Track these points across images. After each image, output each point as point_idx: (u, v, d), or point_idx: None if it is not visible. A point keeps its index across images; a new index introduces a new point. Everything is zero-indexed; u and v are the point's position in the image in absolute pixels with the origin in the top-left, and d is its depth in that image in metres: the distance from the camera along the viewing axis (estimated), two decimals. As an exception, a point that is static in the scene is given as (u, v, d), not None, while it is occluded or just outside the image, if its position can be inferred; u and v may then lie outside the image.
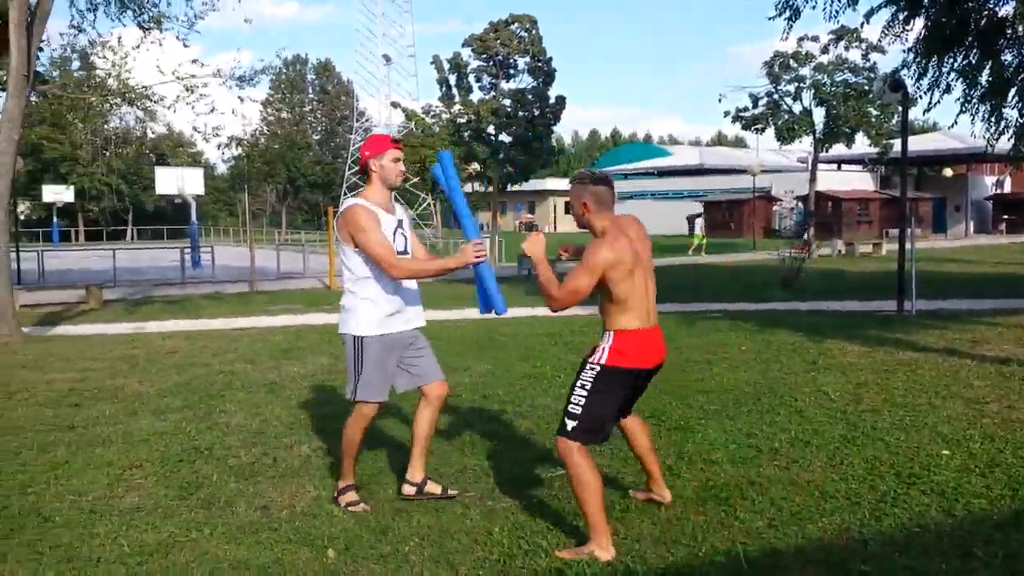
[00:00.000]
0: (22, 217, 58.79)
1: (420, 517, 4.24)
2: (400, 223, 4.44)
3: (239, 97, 15.19)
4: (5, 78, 11.47)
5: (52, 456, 5.43)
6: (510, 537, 3.97)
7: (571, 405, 3.80)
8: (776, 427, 5.84)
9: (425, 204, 47.83)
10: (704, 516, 4.19)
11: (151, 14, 13.57)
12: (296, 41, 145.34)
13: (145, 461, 5.29)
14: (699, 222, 32.83)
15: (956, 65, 9.37)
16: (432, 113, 19.74)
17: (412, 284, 4.50)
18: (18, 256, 17.10)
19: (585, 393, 3.78)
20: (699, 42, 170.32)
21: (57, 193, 53.85)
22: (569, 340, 10.02)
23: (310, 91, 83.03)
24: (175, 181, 30.28)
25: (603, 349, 3.84)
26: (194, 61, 14.39)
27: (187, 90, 14.18)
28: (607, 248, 3.73)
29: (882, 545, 3.80)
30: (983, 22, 9.07)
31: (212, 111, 14.74)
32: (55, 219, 55.30)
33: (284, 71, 77.47)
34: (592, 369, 3.82)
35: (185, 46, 14.06)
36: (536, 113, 18.35)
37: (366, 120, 63.20)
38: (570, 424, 3.76)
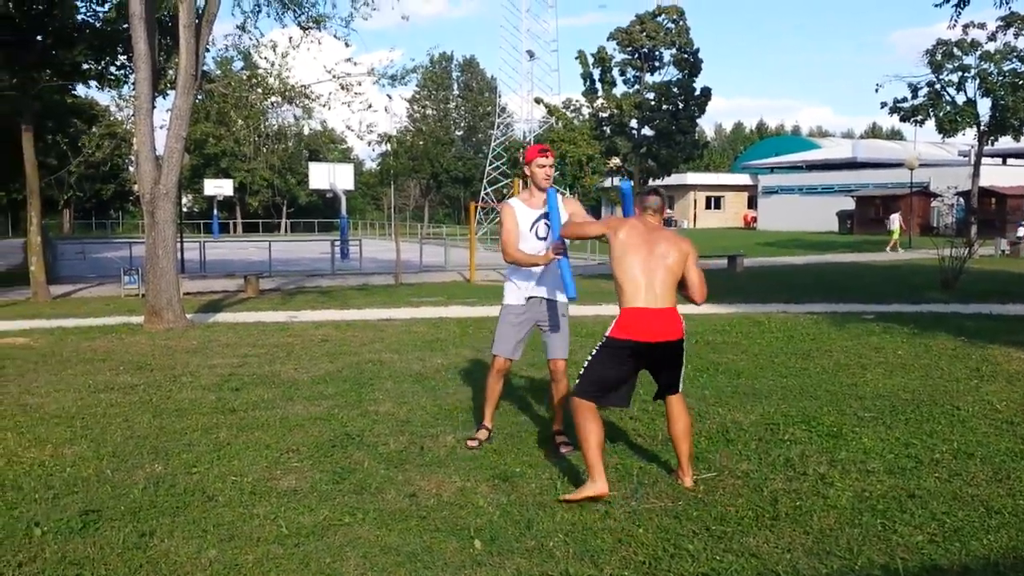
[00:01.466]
0: (185, 209, 62.79)
1: (563, 514, 4.26)
2: (545, 215, 5.33)
3: (388, 95, 15.67)
4: (175, 77, 12.18)
5: (215, 438, 5.77)
6: (655, 539, 3.93)
7: (582, 368, 4.61)
8: (937, 437, 5.54)
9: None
10: (860, 528, 4.03)
11: (311, 14, 14.15)
12: (441, 38, 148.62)
13: (301, 445, 5.54)
14: (895, 217, 31.73)
15: None
16: (573, 108, 19.74)
17: (543, 269, 5.40)
18: (182, 246, 18.25)
19: (590, 358, 4.62)
20: (852, 29, 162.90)
21: (218, 187, 57.15)
22: (711, 339, 9.81)
23: (455, 88, 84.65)
24: (327, 176, 31.54)
25: (612, 324, 4.61)
26: (348, 60, 14.90)
27: (342, 88, 14.70)
28: (614, 221, 4.74)
29: (1058, 570, 3.55)
30: None
31: (368, 108, 15.21)
32: (215, 211, 58.70)
33: (431, 68, 79.31)
34: (601, 340, 4.63)
35: (346, 45, 14.57)
36: (680, 106, 18.05)
37: (508, 116, 63.91)
38: (577, 382, 4.60)
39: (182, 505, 4.46)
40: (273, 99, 16.17)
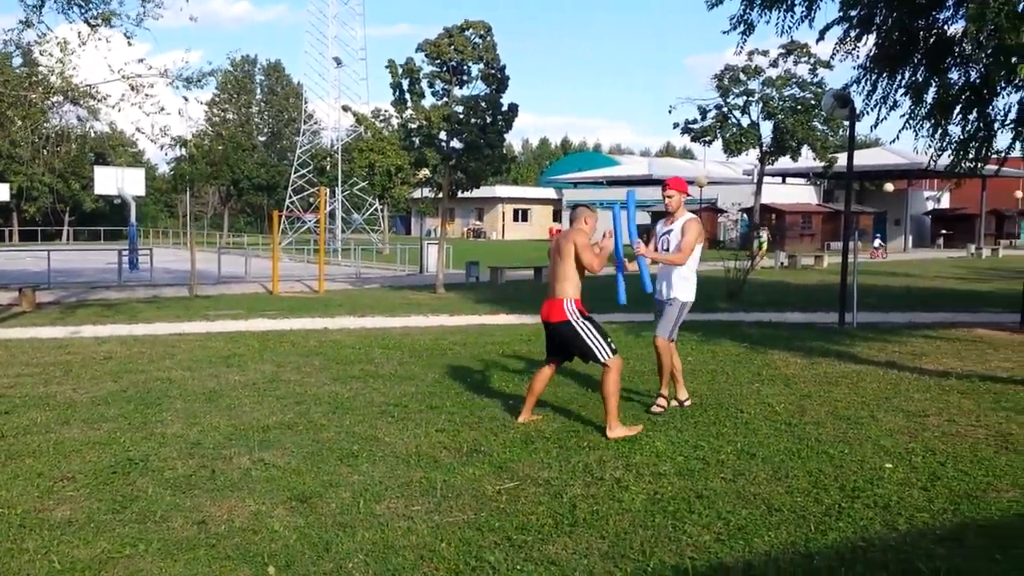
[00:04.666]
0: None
1: (364, 532, 4.14)
2: (669, 231, 6.80)
3: (184, 97, 14.85)
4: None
5: (-22, 467, 5.20)
6: (457, 552, 3.89)
7: (599, 343, 6.02)
8: (723, 439, 5.86)
9: (372, 209, 47.37)
10: (652, 530, 4.17)
11: (99, 10, 13.18)
12: (246, 41, 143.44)
13: (77, 473, 5.09)
14: (764, 232, 34.33)
15: (904, 82, 9.57)
16: (382, 118, 19.58)
17: (666, 268, 6.85)
18: (-52, 255, 16.46)
19: (595, 332, 6.05)
20: (652, 53, 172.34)
21: (-9, 192, 52.14)
22: (518, 349, 9.97)
23: (258, 92, 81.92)
24: (115, 181, 29.55)
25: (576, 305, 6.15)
26: (140, 60, 14.01)
27: (132, 89, 13.80)
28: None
29: (827, 560, 3.81)
30: (932, 40, 9.28)
31: (161, 111, 14.35)
32: (-11, 218, 53.63)
33: (232, 71, 76.35)
34: (584, 319, 6.08)
35: (129, 44, 13.68)
36: (488, 120, 18.26)
37: (315, 123, 62.59)
38: (607, 349, 6.02)
39: (-69, 546, 3.96)
40: (56, 98, 14.92)
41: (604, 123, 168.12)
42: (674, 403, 6.84)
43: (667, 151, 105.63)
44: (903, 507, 4.49)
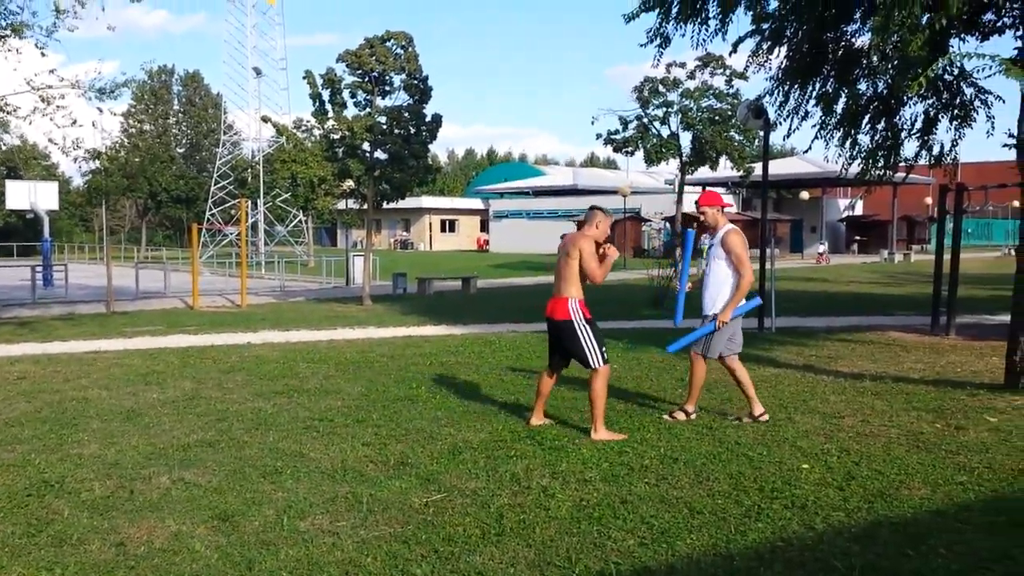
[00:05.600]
0: None
1: (288, 550, 4.09)
2: (712, 246, 6.70)
3: (99, 109, 14.41)
4: None
5: None
6: (383, 566, 3.87)
7: (594, 348, 6.17)
8: (647, 444, 5.96)
9: (296, 221, 46.71)
10: (578, 536, 4.21)
11: (8, 20, 12.74)
12: (164, 51, 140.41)
13: (-14, 498, 4.90)
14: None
15: (814, 93, 9.87)
16: (304, 128, 19.34)
17: (707, 281, 6.70)
18: None
19: (592, 338, 6.18)
20: (577, 64, 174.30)
21: None
22: (446, 360, 9.96)
23: (175, 103, 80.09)
24: (27, 195, 28.57)
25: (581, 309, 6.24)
26: (52, 71, 13.57)
27: (44, 101, 13.37)
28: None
29: (747, 560, 3.91)
30: (840, 53, 9.60)
31: (73, 123, 13.92)
32: None
33: (148, 82, 74.49)
34: (583, 323, 6.19)
35: (42, 55, 13.27)
36: (412, 131, 18.21)
37: (235, 134, 61.44)
38: (600, 356, 6.18)
39: None
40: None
41: (530, 133, 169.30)
42: (746, 419, 6.65)
43: (592, 161, 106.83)
44: (819, 506, 4.63)
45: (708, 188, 7.58)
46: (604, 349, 6.20)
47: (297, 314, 16.15)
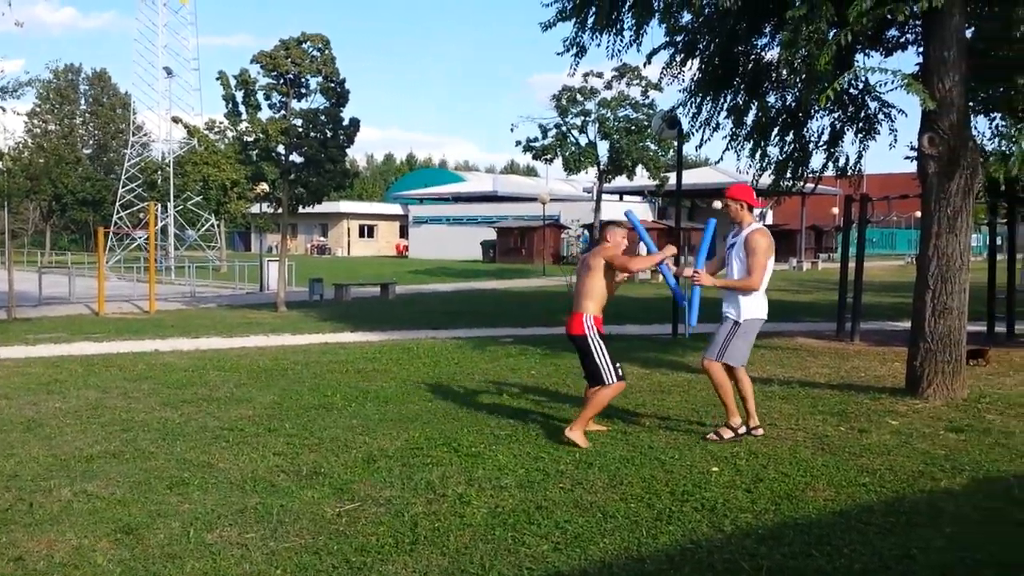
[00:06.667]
0: None
1: (194, 563, 3.96)
2: (733, 244, 6.43)
3: (1, 108, 13.81)
4: None
5: None
6: (293, 579, 3.79)
7: (606, 365, 6.17)
8: (562, 450, 5.99)
9: (208, 225, 45.54)
10: (493, 543, 4.20)
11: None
12: (72, 49, 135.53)
13: None
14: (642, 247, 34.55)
15: (726, 105, 10.12)
16: (217, 130, 18.90)
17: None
18: None
19: (604, 355, 6.23)
20: (498, 71, 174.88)
21: None
22: (363, 367, 9.84)
23: (82, 102, 77.34)
24: (-81, 195, 27.17)
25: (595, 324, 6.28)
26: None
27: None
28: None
29: (658, 563, 3.96)
30: (751, 66, 9.87)
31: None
32: None
33: (54, 81, 71.73)
34: (597, 339, 6.24)
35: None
36: (329, 134, 17.98)
37: (144, 135, 59.61)
38: (609, 375, 6.17)
39: None
40: None
41: (451, 139, 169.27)
42: (757, 431, 6.35)
43: (512, 168, 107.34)
44: (728, 509, 4.73)
45: (741, 183, 7.60)
46: (619, 365, 6.18)
47: (208, 321, 15.74)
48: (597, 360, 6.15)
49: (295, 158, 17.92)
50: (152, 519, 4.57)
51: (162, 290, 22.92)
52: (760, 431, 6.37)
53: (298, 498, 4.92)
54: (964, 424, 6.78)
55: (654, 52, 9.73)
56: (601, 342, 6.20)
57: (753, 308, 6.31)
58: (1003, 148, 8.20)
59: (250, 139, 17.70)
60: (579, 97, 32.70)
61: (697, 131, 10.37)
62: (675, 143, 15.80)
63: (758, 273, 6.19)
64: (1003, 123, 9.97)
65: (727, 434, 6.25)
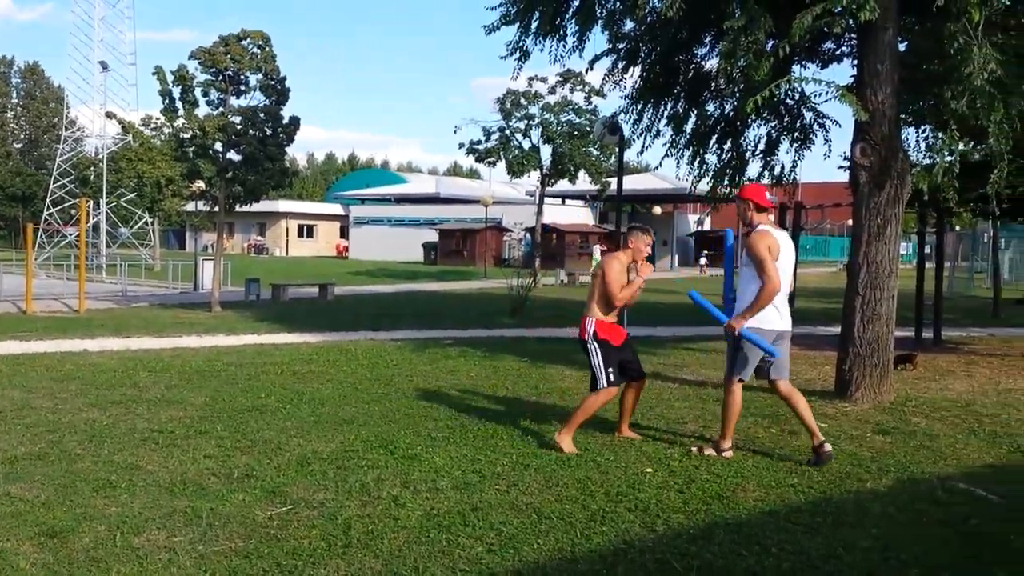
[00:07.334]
0: None
1: (120, 567, 3.87)
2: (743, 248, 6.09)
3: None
4: None
5: None
6: (222, 582, 3.72)
7: (602, 370, 6.16)
8: (499, 452, 5.99)
9: (142, 222, 44.49)
10: (427, 545, 4.19)
11: None
12: (5, 43, 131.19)
13: None
14: (597, 248, 35.32)
15: (666, 112, 10.25)
16: (152, 126, 18.50)
17: (738, 294, 6.03)
18: None
19: (602, 361, 6.17)
20: (442, 73, 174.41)
21: None
22: (298, 368, 9.72)
23: (14, 96, 75.02)
24: None
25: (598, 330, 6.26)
26: None
27: None
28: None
29: (591, 564, 3.99)
30: (691, 74, 10.02)
31: None
32: None
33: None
34: (598, 345, 6.19)
35: None
36: (268, 132, 17.72)
37: (78, 130, 58.01)
38: (603, 378, 6.15)
39: None
40: None
41: (394, 140, 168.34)
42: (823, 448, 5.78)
43: (455, 171, 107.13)
44: (661, 509, 4.79)
45: (755, 183, 7.50)
46: (612, 370, 6.15)
47: (139, 320, 15.38)
48: (593, 364, 6.21)
49: (233, 156, 17.64)
50: (77, 522, 4.45)
51: (92, 288, 22.32)
52: (827, 448, 5.78)
53: (229, 501, 4.84)
54: (891, 427, 6.98)
55: (596, 59, 9.82)
56: (600, 347, 6.18)
57: (752, 321, 5.79)
58: (930, 159, 8.46)
59: (187, 136, 17.36)
60: (523, 101, 32.79)
61: (638, 137, 10.49)
62: (616, 149, 15.94)
63: (768, 273, 5.69)
64: (932, 135, 10.29)
65: (708, 450, 6.02)
